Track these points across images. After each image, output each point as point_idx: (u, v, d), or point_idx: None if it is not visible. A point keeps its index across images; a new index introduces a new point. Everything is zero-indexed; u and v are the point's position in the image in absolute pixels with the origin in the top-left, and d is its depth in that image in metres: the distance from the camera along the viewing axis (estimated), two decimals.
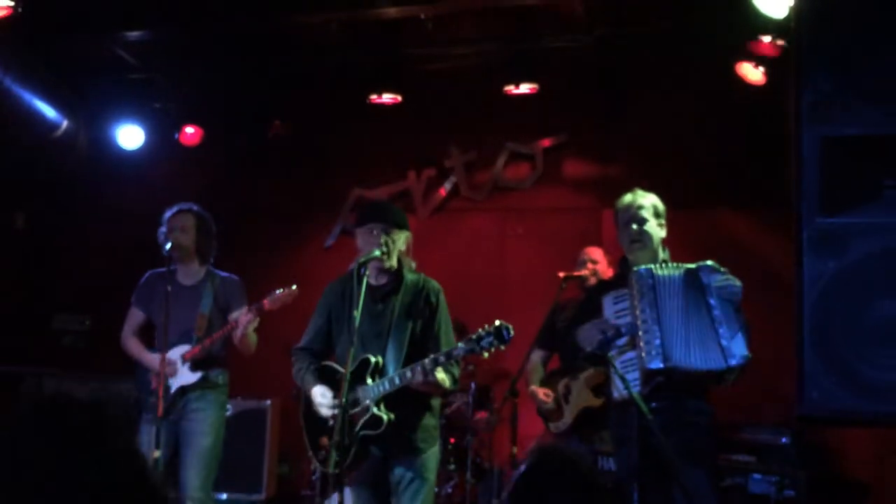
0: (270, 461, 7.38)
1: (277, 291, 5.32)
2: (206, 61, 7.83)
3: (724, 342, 4.25)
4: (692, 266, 4.40)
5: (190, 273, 5.59)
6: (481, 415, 6.80)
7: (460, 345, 4.32)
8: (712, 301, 4.30)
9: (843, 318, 3.13)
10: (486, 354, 4.28)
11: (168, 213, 5.59)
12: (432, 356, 4.35)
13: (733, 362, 4.24)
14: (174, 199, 5.82)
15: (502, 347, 4.27)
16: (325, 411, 4.58)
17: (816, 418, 3.38)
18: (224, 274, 5.64)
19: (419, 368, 4.35)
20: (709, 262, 4.39)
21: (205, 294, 5.52)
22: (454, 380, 4.55)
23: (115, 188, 8.59)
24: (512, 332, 4.24)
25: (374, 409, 4.46)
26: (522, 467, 2.49)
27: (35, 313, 8.66)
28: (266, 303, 5.30)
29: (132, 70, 7.89)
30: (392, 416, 4.46)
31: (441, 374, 4.39)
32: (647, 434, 4.07)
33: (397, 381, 4.41)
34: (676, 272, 4.43)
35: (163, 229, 5.56)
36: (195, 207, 5.63)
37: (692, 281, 4.35)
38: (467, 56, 7.70)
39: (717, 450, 4.54)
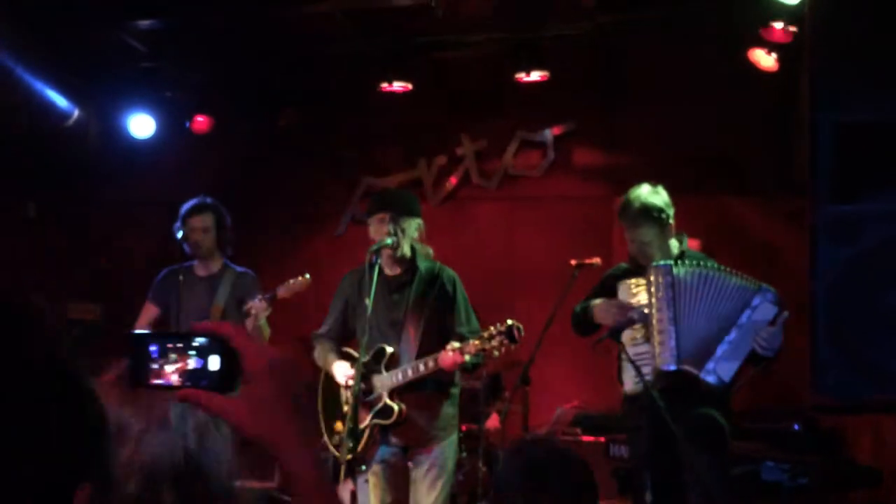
0: None
1: (291, 281, 5.33)
2: (215, 50, 7.82)
3: (715, 355, 4.21)
4: (755, 283, 4.27)
5: (207, 266, 5.63)
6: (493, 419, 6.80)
7: (472, 341, 4.36)
8: (742, 321, 4.21)
9: (857, 305, 3.12)
10: (496, 354, 4.32)
11: (185, 209, 5.59)
12: (442, 351, 4.39)
13: (706, 377, 4.20)
14: (186, 188, 5.82)
15: (512, 347, 4.31)
16: (341, 379, 4.64)
17: (830, 405, 3.37)
18: (240, 269, 5.67)
19: (431, 362, 4.39)
20: (773, 290, 4.26)
21: (221, 286, 5.55)
22: (474, 365, 4.60)
23: (127, 177, 8.59)
24: (522, 332, 4.27)
25: (387, 400, 4.49)
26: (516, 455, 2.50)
27: (48, 304, 8.66)
28: (279, 291, 5.31)
29: (142, 59, 7.88)
30: (403, 406, 4.49)
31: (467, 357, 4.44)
32: (659, 422, 4.07)
33: (410, 373, 4.45)
34: (708, 273, 4.33)
35: (178, 225, 5.58)
36: (210, 201, 5.64)
37: (741, 293, 4.24)
38: (477, 44, 7.67)
39: (729, 437, 4.52)
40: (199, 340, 1.26)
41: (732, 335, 4.20)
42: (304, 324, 6.22)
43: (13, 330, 1.11)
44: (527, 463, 2.46)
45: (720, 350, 4.21)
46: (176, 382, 1.25)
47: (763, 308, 4.19)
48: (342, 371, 4.68)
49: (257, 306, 5.29)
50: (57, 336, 1.14)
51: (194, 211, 5.57)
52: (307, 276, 5.35)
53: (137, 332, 1.31)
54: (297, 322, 6.35)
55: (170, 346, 1.27)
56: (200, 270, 5.63)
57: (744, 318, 4.20)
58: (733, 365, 4.19)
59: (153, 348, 1.27)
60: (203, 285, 5.54)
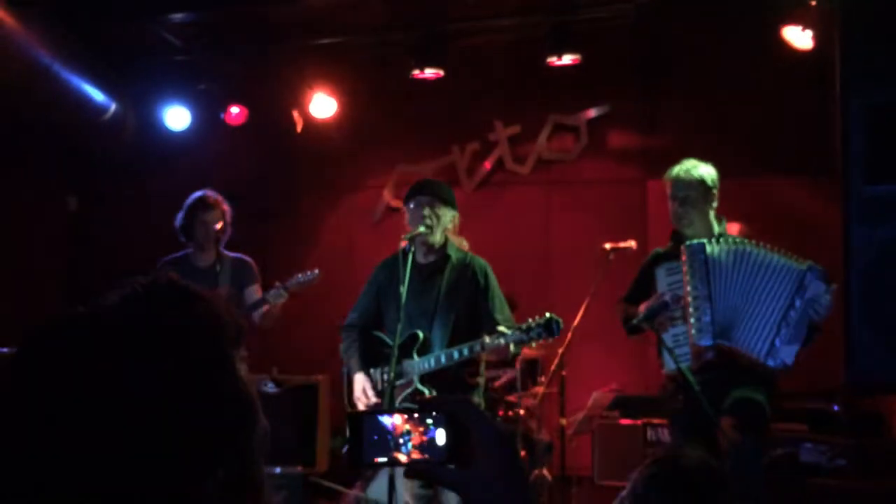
0: (322, 436, 7.46)
1: (299, 276, 5.47)
2: (248, 40, 7.87)
3: (777, 342, 4.21)
4: (801, 262, 4.28)
5: (204, 256, 5.78)
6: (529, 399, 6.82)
7: (508, 333, 4.36)
8: (798, 303, 4.22)
9: (892, 285, 3.10)
10: (533, 345, 4.36)
11: (194, 203, 5.76)
12: (481, 340, 4.39)
13: (771, 363, 4.21)
14: (223, 179, 5.91)
15: (550, 340, 4.32)
16: (360, 406, 4.71)
17: (865, 386, 3.36)
18: (234, 255, 5.83)
19: (466, 351, 4.41)
20: (820, 267, 4.28)
21: (221, 274, 5.72)
22: (514, 355, 4.65)
23: (165, 169, 8.69)
24: (561, 326, 4.28)
25: (418, 384, 4.54)
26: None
27: (87, 296, 8.78)
28: (288, 285, 5.46)
29: (177, 52, 7.96)
30: (434, 391, 4.52)
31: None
32: (696, 406, 4.07)
33: (443, 359, 4.48)
34: (745, 249, 4.34)
35: (183, 215, 5.74)
36: (217, 196, 5.82)
37: (790, 274, 4.24)
38: (509, 28, 7.66)
39: (768, 420, 4.49)
40: (427, 414, 1.25)
41: (792, 317, 4.20)
42: (339, 312, 6.28)
43: (180, 316, 1.11)
44: (682, 482, 2.30)
45: (784, 334, 4.20)
46: (404, 459, 1.25)
47: (814, 286, 4.20)
48: (361, 392, 4.78)
49: (278, 299, 5.44)
50: (220, 325, 1.12)
51: (206, 207, 5.75)
52: (316, 271, 5.50)
53: (360, 412, 1.30)
54: (331, 310, 6.40)
55: (399, 420, 1.26)
56: (198, 261, 5.80)
57: (798, 301, 4.21)
58: (795, 348, 4.21)
59: (385, 422, 1.26)
60: (203, 275, 5.67)
